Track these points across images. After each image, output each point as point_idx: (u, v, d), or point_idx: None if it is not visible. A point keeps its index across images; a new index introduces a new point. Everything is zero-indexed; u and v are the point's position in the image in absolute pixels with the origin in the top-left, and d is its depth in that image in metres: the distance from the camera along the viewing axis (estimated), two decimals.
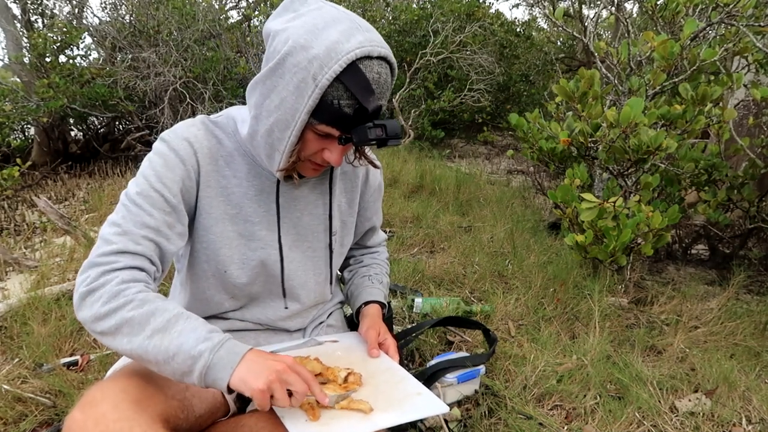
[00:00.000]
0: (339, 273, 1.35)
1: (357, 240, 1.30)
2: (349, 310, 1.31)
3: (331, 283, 1.18)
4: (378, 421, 0.87)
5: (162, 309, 0.83)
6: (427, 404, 0.93)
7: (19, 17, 6.07)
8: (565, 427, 1.50)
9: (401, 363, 1.08)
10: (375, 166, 1.12)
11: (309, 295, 1.14)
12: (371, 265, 1.31)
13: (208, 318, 1.09)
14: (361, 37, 0.82)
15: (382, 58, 0.85)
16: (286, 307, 1.13)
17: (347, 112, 0.84)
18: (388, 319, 1.51)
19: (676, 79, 2.39)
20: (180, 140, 0.96)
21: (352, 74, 0.81)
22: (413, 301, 2.16)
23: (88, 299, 0.84)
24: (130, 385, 0.83)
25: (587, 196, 2.18)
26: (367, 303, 1.21)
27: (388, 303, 1.54)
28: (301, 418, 0.86)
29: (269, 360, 0.82)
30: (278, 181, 1.03)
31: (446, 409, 0.93)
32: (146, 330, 0.81)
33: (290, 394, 0.82)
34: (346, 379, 0.96)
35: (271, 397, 0.79)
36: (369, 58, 0.83)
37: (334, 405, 0.89)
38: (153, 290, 0.90)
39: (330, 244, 1.12)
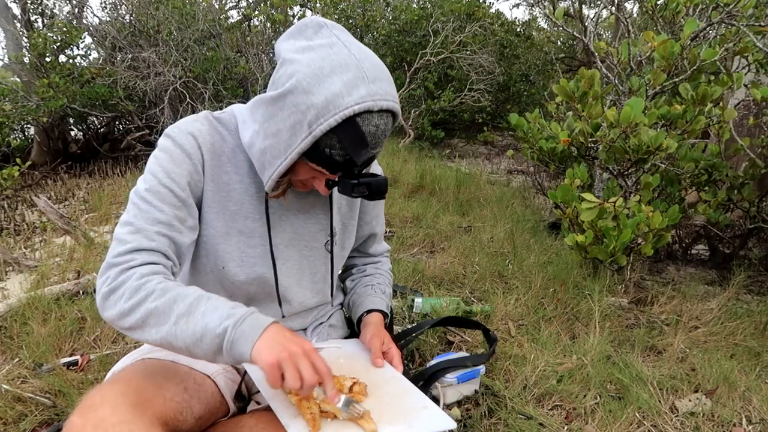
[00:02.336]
0: (340, 281, 1.34)
1: (358, 246, 1.29)
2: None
3: (331, 285, 1.17)
4: None
5: (183, 294, 0.84)
6: (435, 419, 0.91)
7: (19, 17, 6.07)
8: (565, 427, 1.50)
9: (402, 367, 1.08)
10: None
11: (305, 294, 1.13)
12: (374, 274, 1.30)
13: None
14: (363, 91, 0.81)
15: (385, 111, 0.84)
16: (283, 316, 1.13)
17: (337, 160, 0.85)
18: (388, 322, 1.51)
19: (677, 79, 2.39)
20: (185, 135, 0.96)
21: (347, 128, 0.81)
22: (413, 301, 2.16)
23: (111, 298, 0.86)
24: (128, 388, 0.83)
25: (587, 196, 2.18)
26: (369, 311, 1.20)
27: (390, 309, 1.54)
28: (305, 428, 0.85)
29: (288, 340, 0.80)
30: (268, 217, 1.04)
31: (453, 425, 0.91)
32: (171, 317, 0.82)
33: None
34: (351, 389, 0.95)
35: (283, 378, 0.78)
36: (369, 112, 0.82)
37: (344, 411, 0.86)
38: (173, 280, 0.91)
39: (331, 245, 1.12)
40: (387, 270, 1.34)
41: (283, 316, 1.13)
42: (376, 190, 0.87)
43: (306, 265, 1.11)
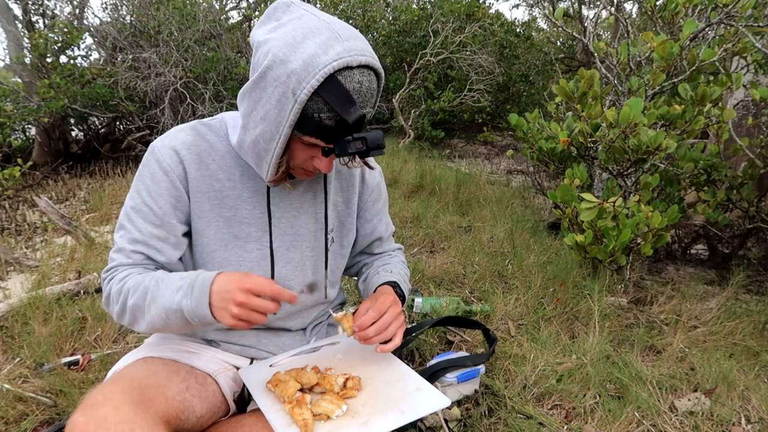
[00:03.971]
0: (357, 288, 1.30)
1: (365, 249, 1.27)
2: (349, 310, 1.30)
3: (325, 281, 1.16)
4: (377, 427, 0.86)
5: (148, 285, 0.92)
6: (427, 400, 0.92)
7: (20, 18, 6.08)
8: (565, 427, 1.51)
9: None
10: (370, 167, 1.11)
11: (306, 294, 1.14)
12: (389, 263, 1.26)
13: None
14: (339, 48, 0.81)
15: (365, 66, 0.83)
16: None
17: (328, 124, 0.84)
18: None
19: (676, 80, 2.39)
20: (166, 150, 0.98)
21: (330, 87, 0.81)
22: (413, 301, 2.17)
23: (110, 305, 0.99)
24: (131, 387, 0.84)
25: (587, 196, 2.19)
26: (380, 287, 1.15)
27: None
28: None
29: (229, 289, 0.84)
30: (269, 212, 1.04)
31: (447, 402, 0.91)
32: (146, 308, 0.92)
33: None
34: (345, 385, 0.95)
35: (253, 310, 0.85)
36: (349, 68, 0.81)
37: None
38: (151, 270, 0.98)
39: (325, 240, 1.12)
40: (399, 261, 1.30)
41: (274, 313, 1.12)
42: (373, 143, 0.85)
43: (309, 266, 1.11)
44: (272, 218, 1.04)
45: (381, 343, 1.02)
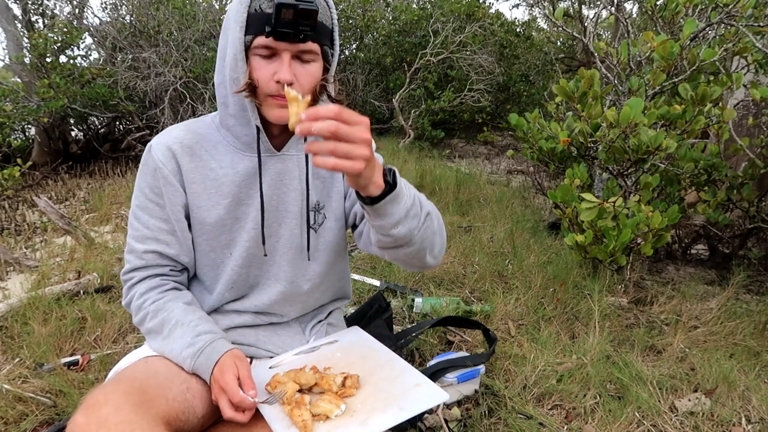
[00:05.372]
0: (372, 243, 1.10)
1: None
2: (348, 310, 1.29)
3: (308, 255, 1.13)
4: (376, 425, 0.86)
5: (168, 319, 1.00)
6: (426, 395, 0.92)
7: (20, 17, 6.08)
8: (565, 427, 1.51)
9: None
10: (339, 102, 1.04)
11: (296, 273, 1.12)
12: None
13: (209, 313, 1.11)
14: None
15: None
16: (266, 264, 1.10)
17: (269, 12, 0.89)
18: (387, 319, 1.50)
19: (676, 80, 2.39)
20: (159, 147, 1.02)
21: None
22: (413, 301, 2.17)
23: (130, 311, 1.07)
24: (132, 388, 0.84)
25: (587, 196, 2.19)
26: None
27: (388, 303, 1.53)
28: None
29: (215, 378, 0.91)
30: (259, 162, 1.04)
31: (446, 396, 0.91)
32: (160, 338, 1.01)
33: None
34: (343, 384, 0.95)
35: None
36: None
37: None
38: (169, 286, 1.05)
39: (306, 216, 1.10)
40: None
41: (277, 298, 1.12)
42: None
43: (299, 244, 1.11)
44: (264, 196, 1.06)
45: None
